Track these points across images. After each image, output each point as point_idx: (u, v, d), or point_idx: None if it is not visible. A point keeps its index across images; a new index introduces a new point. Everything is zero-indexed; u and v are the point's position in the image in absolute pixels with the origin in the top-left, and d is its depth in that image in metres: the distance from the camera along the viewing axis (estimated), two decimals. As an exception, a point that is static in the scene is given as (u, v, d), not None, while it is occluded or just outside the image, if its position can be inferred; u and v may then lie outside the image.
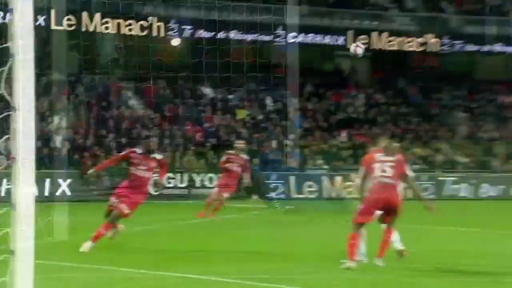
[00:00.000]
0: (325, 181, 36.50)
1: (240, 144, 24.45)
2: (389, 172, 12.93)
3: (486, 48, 45.20)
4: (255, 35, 41.46)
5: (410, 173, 13.34)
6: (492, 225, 23.39)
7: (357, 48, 15.05)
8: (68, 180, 31.91)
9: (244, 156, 23.97)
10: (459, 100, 45.59)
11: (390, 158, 13.04)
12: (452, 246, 17.16)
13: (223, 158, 23.82)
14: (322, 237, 17.79)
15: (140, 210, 15.54)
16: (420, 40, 44.02)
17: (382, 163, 13.01)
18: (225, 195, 23.16)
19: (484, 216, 28.07)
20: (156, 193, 32.28)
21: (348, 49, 42.78)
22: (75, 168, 32.92)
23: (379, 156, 13.15)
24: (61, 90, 37.32)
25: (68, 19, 37.71)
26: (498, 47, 45.25)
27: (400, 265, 13.14)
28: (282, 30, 41.68)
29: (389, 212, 12.95)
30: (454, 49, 44.76)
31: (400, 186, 13.05)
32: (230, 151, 24.05)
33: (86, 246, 14.26)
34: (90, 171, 16.47)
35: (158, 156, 14.76)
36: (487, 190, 38.50)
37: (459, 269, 13.48)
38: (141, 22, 38.92)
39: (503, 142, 42.78)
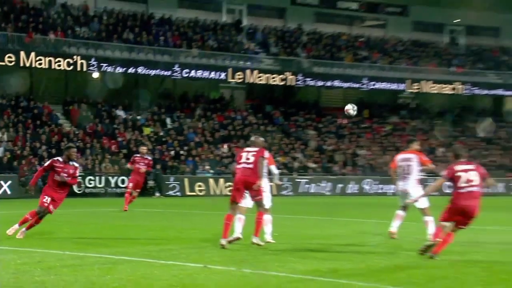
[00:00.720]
0: (211, 182, 36.14)
1: (143, 148, 23.99)
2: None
3: (328, 83, 45.68)
4: (157, 71, 40.89)
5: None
6: (334, 214, 23.33)
7: (350, 110, 14.77)
8: (9, 182, 30.89)
9: (149, 157, 23.57)
10: (310, 122, 45.95)
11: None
12: (306, 231, 16.76)
13: (132, 159, 23.31)
14: (209, 226, 17.13)
15: (67, 204, 14.74)
16: (281, 76, 44.22)
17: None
18: (136, 191, 22.75)
19: (329, 207, 28.08)
20: (80, 192, 31.77)
21: (229, 82, 43.25)
22: (14, 173, 32.06)
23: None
24: (3, 112, 36.29)
25: (9, 57, 36.58)
26: (337, 83, 45.79)
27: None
28: (178, 67, 41.29)
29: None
30: (306, 84, 45.11)
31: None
32: (137, 155, 23.51)
33: (13, 229, 13.44)
34: (28, 187, 15.39)
35: (76, 163, 13.94)
36: (330, 188, 38.88)
37: (310, 248, 12.99)
38: (68, 59, 37.89)
39: (341, 153, 43.36)
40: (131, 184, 22.87)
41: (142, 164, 22.73)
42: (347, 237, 15.01)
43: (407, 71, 48.13)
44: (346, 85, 46.19)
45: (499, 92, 49.65)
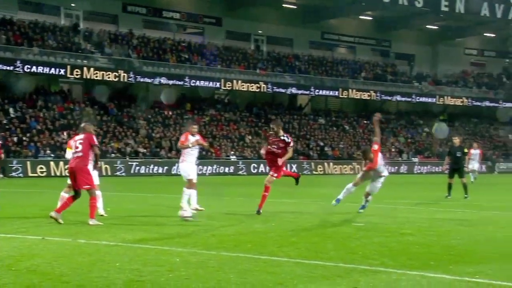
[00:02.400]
0: (52, 164, 34.66)
1: None
2: None
3: (156, 80, 45.22)
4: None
5: None
6: (160, 191, 23.20)
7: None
8: None
9: None
10: (140, 113, 45.26)
11: None
12: (134, 205, 16.50)
13: None
14: (48, 203, 16.39)
15: None
16: (115, 73, 43.24)
17: None
18: None
19: (157, 185, 27.87)
20: None
21: (68, 77, 41.59)
22: None
23: None
24: None
25: None
26: (163, 80, 45.42)
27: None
28: (20, 63, 39.25)
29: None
30: (137, 80, 44.42)
31: None
32: None
33: None
34: None
35: None
36: (158, 169, 38.62)
37: (137, 220, 12.82)
38: None
39: (167, 139, 43.10)
40: None
41: None
42: (171, 209, 14.94)
43: (222, 72, 48.78)
44: (171, 82, 46.04)
45: (294, 90, 51.67)
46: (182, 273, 7.05)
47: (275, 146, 13.49)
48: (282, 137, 13.42)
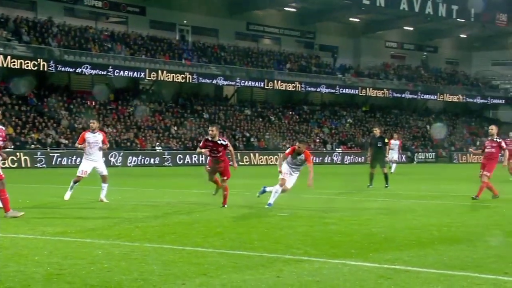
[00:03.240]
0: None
1: None
2: None
3: (78, 70, 44.13)
4: None
5: None
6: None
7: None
8: None
9: None
10: (61, 103, 44.06)
11: None
12: (55, 198, 16.09)
13: None
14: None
15: None
16: (34, 62, 41.87)
17: None
18: None
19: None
20: None
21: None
22: None
23: None
24: None
25: None
26: (86, 70, 44.42)
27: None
28: None
29: None
30: (57, 70, 43.16)
31: None
32: None
33: None
34: None
35: None
36: (80, 161, 37.60)
37: (59, 213, 12.52)
38: None
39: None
40: None
41: None
42: (94, 202, 14.67)
43: (146, 62, 48.09)
44: (94, 72, 44.99)
45: (220, 81, 51.57)
46: (104, 266, 6.93)
47: (216, 151, 13.38)
48: (218, 141, 13.34)
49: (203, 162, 41.30)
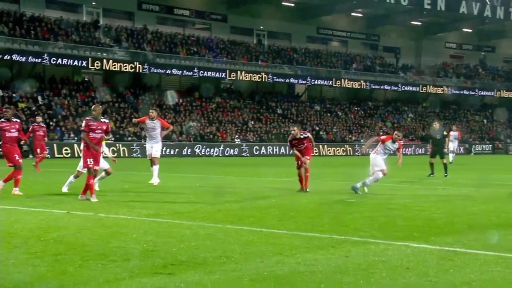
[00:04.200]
0: (76, 147, 34.44)
1: (38, 118, 22.27)
2: None
3: (168, 71, 45.07)
4: (29, 58, 38.53)
5: None
6: (170, 170, 23.03)
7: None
8: None
9: (44, 125, 22.13)
10: (153, 100, 45.08)
11: None
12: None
13: (31, 128, 21.19)
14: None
15: None
16: (131, 65, 43.13)
17: None
18: (44, 153, 21.37)
19: (168, 165, 27.81)
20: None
21: (90, 69, 41.61)
22: None
23: None
24: None
25: None
26: (174, 71, 45.24)
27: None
28: (47, 55, 39.21)
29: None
30: (150, 71, 44.26)
31: None
32: (35, 124, 21.41)
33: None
34: None
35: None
36: (169, 151, 38.41)
37: (152, 196, 12.78)
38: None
39: (178, 124, 42.95)
40: (38, 150, 21.08)
41: (42, 131, 20.98)
42: (180, 188, 14.95)
43: (227, 63, 48.56)
44: (181, 72, 45.88)
45: (291, 80, 51.48)
46: (191, 244, 7.04)
47: (301, 145, 13.90)
48: (301, 136, 13.88)
49: (277, 153, 41.46)
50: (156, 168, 15.15)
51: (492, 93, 61.95)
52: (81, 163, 12.33)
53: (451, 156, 29.18)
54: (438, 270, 5.86)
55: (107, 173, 13.22)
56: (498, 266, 6.04)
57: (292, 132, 14.03)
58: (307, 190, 13.51)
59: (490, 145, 54.70)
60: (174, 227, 8.33)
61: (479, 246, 7.04)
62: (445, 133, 21.11)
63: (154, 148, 15.34)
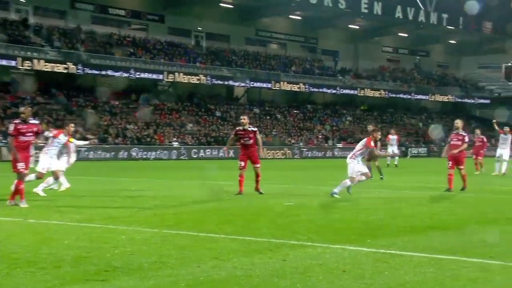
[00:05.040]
0: (4, 150, 33.39)
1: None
2: None
3: (103, 72, 44.30)
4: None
5: None
6: (103, 175, 22.65)
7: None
8: None
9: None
10: (88, 102, 44.23)
11: None
12: (83, 187, 16.15)
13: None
14: None
15: None
16: (64, 65, 42.05)
17: None
18: None
19: (103, 169, 27.33)
20: None
21: (19, 69, 40.09)
22: None
23: None
24: None
25: None
26: (110, 72, 44.52)
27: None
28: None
29: None
30: (85, 72, 43.34)
31: None
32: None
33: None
34: None
35: None
36: (104, 155, 37.80)
37: (85, 201, 12.53)
38: None
39: (114, 127, 42.26)
40: None
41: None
42: (115, 191, 14.70)
43: (164, 65, 48.13)
44: (117, 74, 45.10)
45: (230, 82, 51.58)
46: (126, 249, 6.94)
47: (247, 138, 13.48)
48: (249, 128, 13.48)
49: (216, 155, 41.36)
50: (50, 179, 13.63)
51: (427, 97, 64.20)
52: (39, 164, 11.99)
53: (396, 159, 30.37)
54: (374, 272, 6.01)
55: (55, 177, 12.91)
56: (431, 267, 6.25)
57: (242, 120, 13.59)
58: (262, 192, 13.58)
59: (426, 148, 56.54)
60: (109, 232, 8.19)
61: (413, 248, 7.26)
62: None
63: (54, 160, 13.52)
